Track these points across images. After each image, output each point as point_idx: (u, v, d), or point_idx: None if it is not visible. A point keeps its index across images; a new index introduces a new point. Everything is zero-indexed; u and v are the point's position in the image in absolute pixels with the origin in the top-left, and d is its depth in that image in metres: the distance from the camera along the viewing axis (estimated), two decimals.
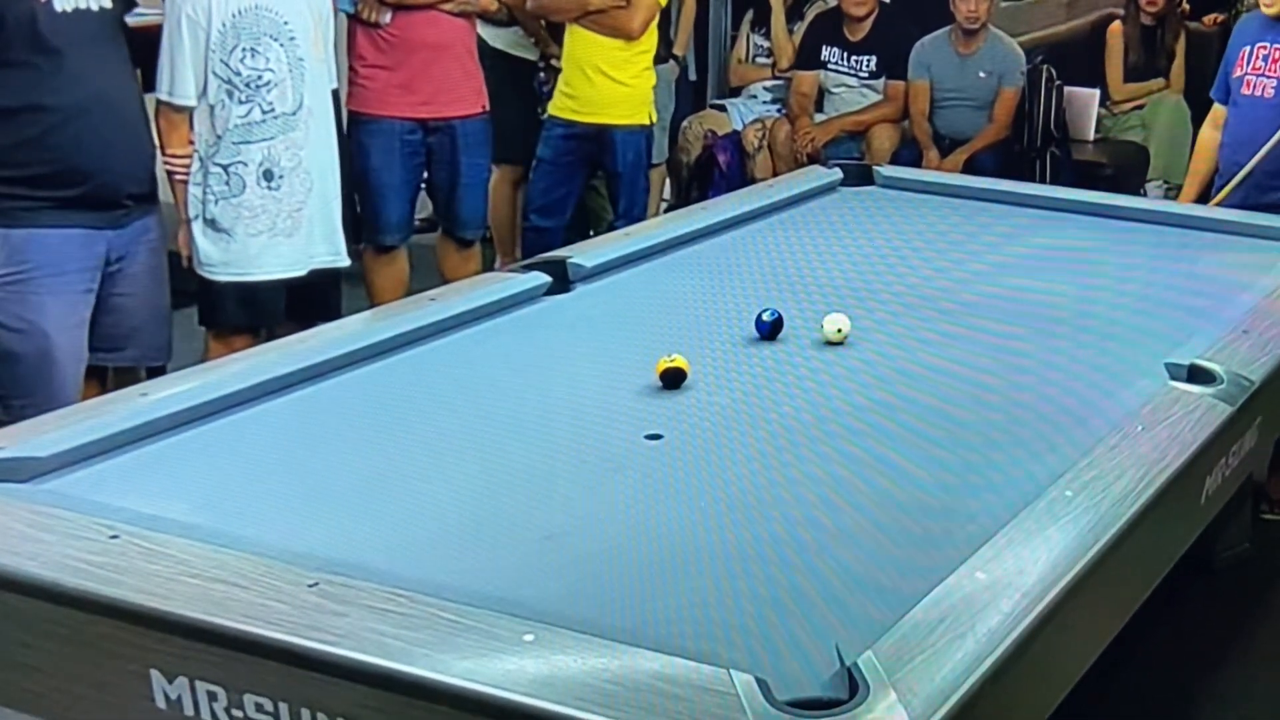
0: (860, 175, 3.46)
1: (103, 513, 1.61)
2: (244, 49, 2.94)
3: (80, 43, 2.66)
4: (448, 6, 3.72)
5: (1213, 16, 5.47)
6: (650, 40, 4.25)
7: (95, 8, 2.70)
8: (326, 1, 3.16)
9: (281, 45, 2.99)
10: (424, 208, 4.19)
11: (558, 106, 4.25)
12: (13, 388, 2.66)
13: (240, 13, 2.94)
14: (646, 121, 4.28)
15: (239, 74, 2.94)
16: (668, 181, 5.15)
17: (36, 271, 2.65)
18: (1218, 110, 3.57)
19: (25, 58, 2.60)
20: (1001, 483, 1.78)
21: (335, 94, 3.24)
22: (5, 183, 2.63)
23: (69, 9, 2.65)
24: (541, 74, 4.47)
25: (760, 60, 5.37)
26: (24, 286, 2.65)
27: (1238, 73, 3.44)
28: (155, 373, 2.85)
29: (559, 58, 4.36)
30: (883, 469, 1.84)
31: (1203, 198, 3.58)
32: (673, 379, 2.09)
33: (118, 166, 2.73)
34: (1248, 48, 3.42)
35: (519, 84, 4.44)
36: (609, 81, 4.17)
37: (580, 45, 4.18)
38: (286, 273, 3.06)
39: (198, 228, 3.02)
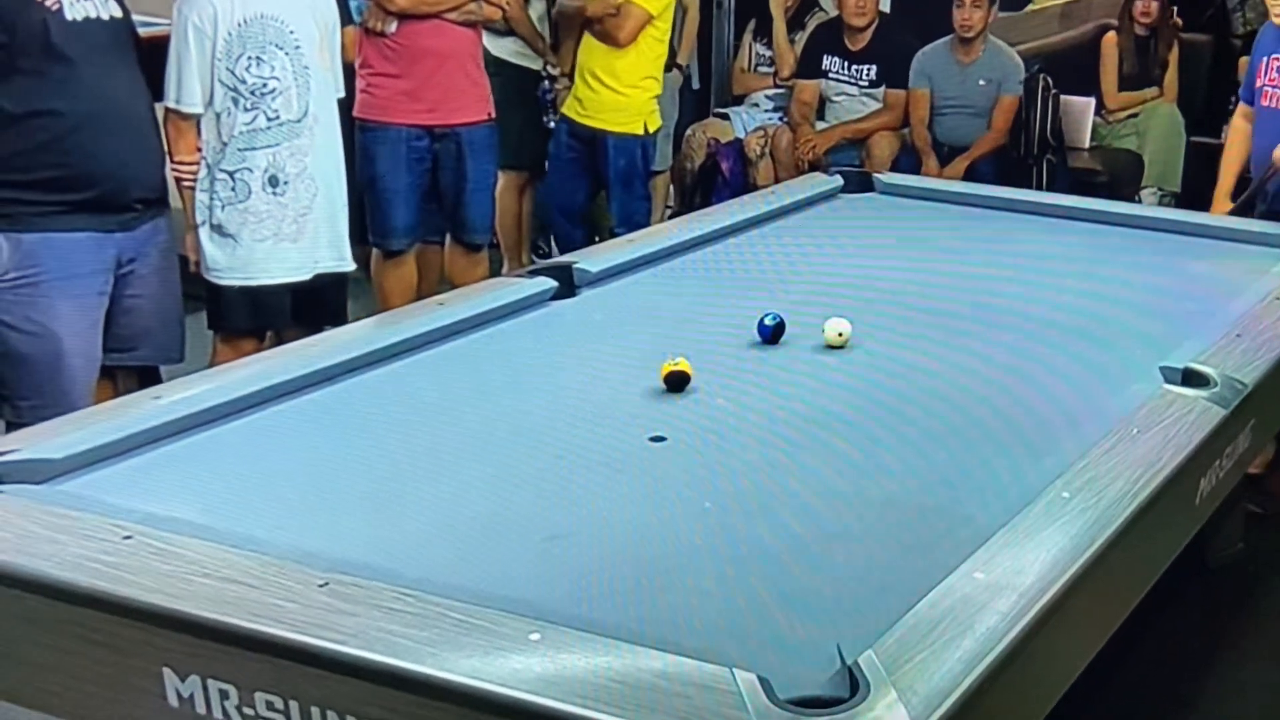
0: (860, 182, 3.49)
1: (116, 514, 1.62)
2: (250, 57, 2.96)
3: (91, 51, 2.69)
4: (453, 15, 3.75)
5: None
6: (651, 52, 4.30)
7: (106, 17, 2.73)
8: (333, 11, 3.19)
9: (287, 54, 3.01)
10: None
11: (567, 106, 4.40)
12: (24, 390, 2.68)
13: (246, 22, 2.96)
14: (640, 131, 4.32)
15: (244, 82, 2.97)
16: (671, 188, 5.19)
17: (48, 275, 2.68)
18: (1244, 108, 3.57)
19: (37, 65, 2.63)
20: (1000, 484, 1.80)
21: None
22: (17, 187, 2.66)
23: (80, 18, 2.68)
24: (545, 82, 4.51)
25: (762, 69, 5.40)
26: (35, 290, 2.67)
27: (1259, 82, 3.43)
28: (148, 375, 2.88)
29: (556, 65, 4.42)
30: (883, 471, 1.86)
31: (1240, 185, 3.55)
32: (676, 382, 2.11)
33: (128, 171, 2.76)
34: (1265, 58, 3.40)
35: (523, 92, 4.48)
36: (607, 89, 4.27)
37: (585, 52, 4.31)
38: (291, 277, 3.08)
39: (204, 233, 3.04)
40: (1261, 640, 2.75)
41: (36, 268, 2.68)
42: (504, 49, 4.47)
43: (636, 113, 4.32)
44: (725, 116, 5.34)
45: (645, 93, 4.34)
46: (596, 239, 4.43)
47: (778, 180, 4.71)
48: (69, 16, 2.66)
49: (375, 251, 3.94)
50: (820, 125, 5.07)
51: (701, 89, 5.45)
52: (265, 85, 2.98)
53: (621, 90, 4.29)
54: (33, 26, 2.62)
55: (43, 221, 2.68)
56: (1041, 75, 4.89)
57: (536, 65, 4.55)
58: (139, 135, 2.81)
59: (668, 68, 4.82)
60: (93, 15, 2.71)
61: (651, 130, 4.40)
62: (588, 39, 4.29)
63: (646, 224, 4.41)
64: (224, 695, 1.41)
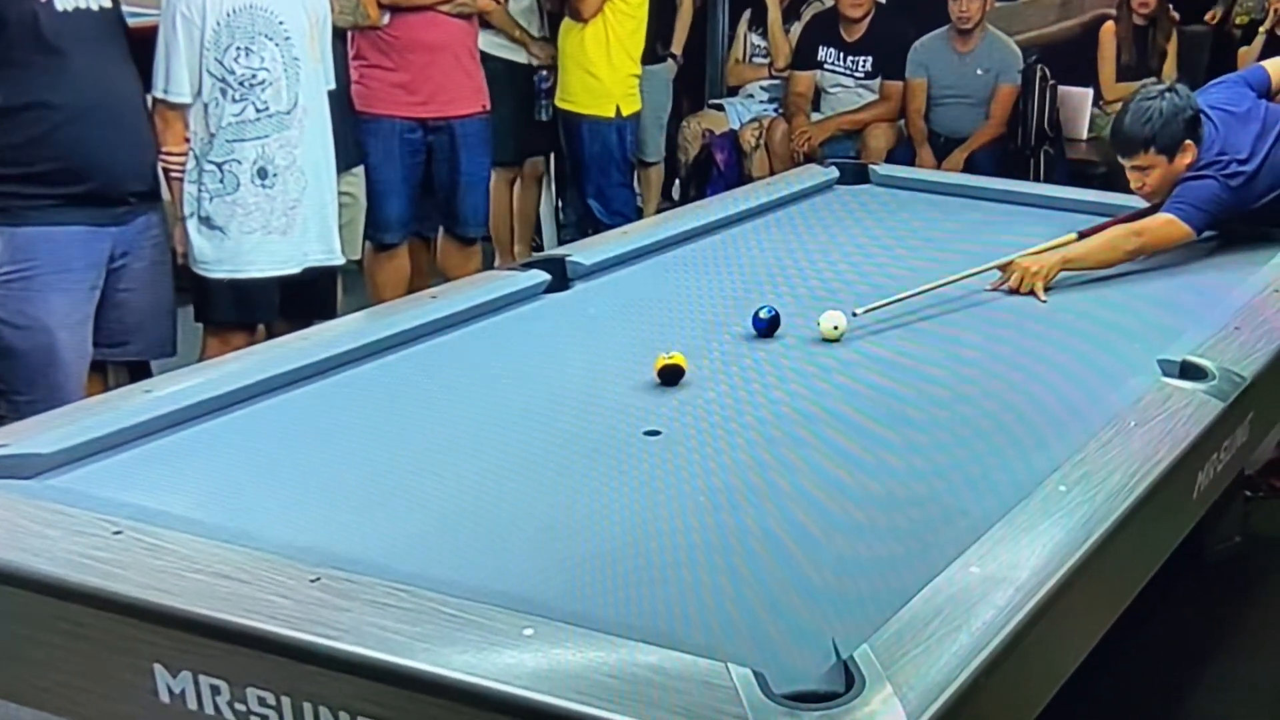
0: (856, 174, 3.48)
1: (106, 508, 1.62)
2: (238, 48, 2.94)
3: (82, 42, 2.68)
4: (446, 8, 3.74)
5: (1212, 14, 5.48)
6: (621, 29, 4.30)
7: (96, 7, 2.72)
8: (324, 2, 3.17)
9: (277, 45, 2.99)
10: None
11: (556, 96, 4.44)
12: (17, 384, 2.68)
13: (235, 12, 2.94)
14: (612, 114, 4.32)
15: (233, 72, 2.95)
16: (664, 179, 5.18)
17: (41, 269, 2.67)
18: None
19: (28, 57, 2.62)
20: (996, 478, 1.79)
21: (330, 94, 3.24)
22: (10, 181, 2.65)
23: (70, 8, 2.67)
24: (543, 71, 4.49)
25: (757, 60, 5.39)
26: (29, 284, 2.67)
27: None
28: (138, 370, 2.87)
29: (538, 56, 4.44)
30: (878, 464, 1.86)
31: None
32: (671, 376, 2.11)
33: (121, 164, 2.75)
34: None
35: (509, 86, 4.45)
36: (582, 73, 4.31)
37: (566, 40, 4.34)
38: (280, 270, 3.07)
39: (192, 225, 3.02)
40: (1259, 634, 2.75)
41: (30, 262, 2.67)
42: (489, 43, 4.45)
43: (604, 95, 4.32)
44: (720, 108, 5.34)
45: (617, 72, 4.33)
46: (590, 231, 4.43)
47: (773, 172, 4.71)
48: (59, 7, 2.65)
49: (368, 244, 3.94)
50: (816, 116, 5.05)
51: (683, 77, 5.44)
52: (254, 76, 2.96)
53: (595, 75, 4.30)
54: (23, 18, 2.61)
55: (36, 215, 2.67)
56: (1039, 66, 4.88)
57: (520, 59, 4.53)
58: (132, 127, 2.80)
59: (661, 58, 4.81)
60: (83, 5, 2.69)
61: (626, 114, 4.38)
62: (569, 29, 4.32)
63: (630, 213, 4.42)
64: (215, 691, 1.40)
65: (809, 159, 4.60)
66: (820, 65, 5.03)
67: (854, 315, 2.37)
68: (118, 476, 1.78)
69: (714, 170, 5.11)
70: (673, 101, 5.04)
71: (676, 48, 5.00)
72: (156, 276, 2.90)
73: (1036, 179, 4.63)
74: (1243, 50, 4.91)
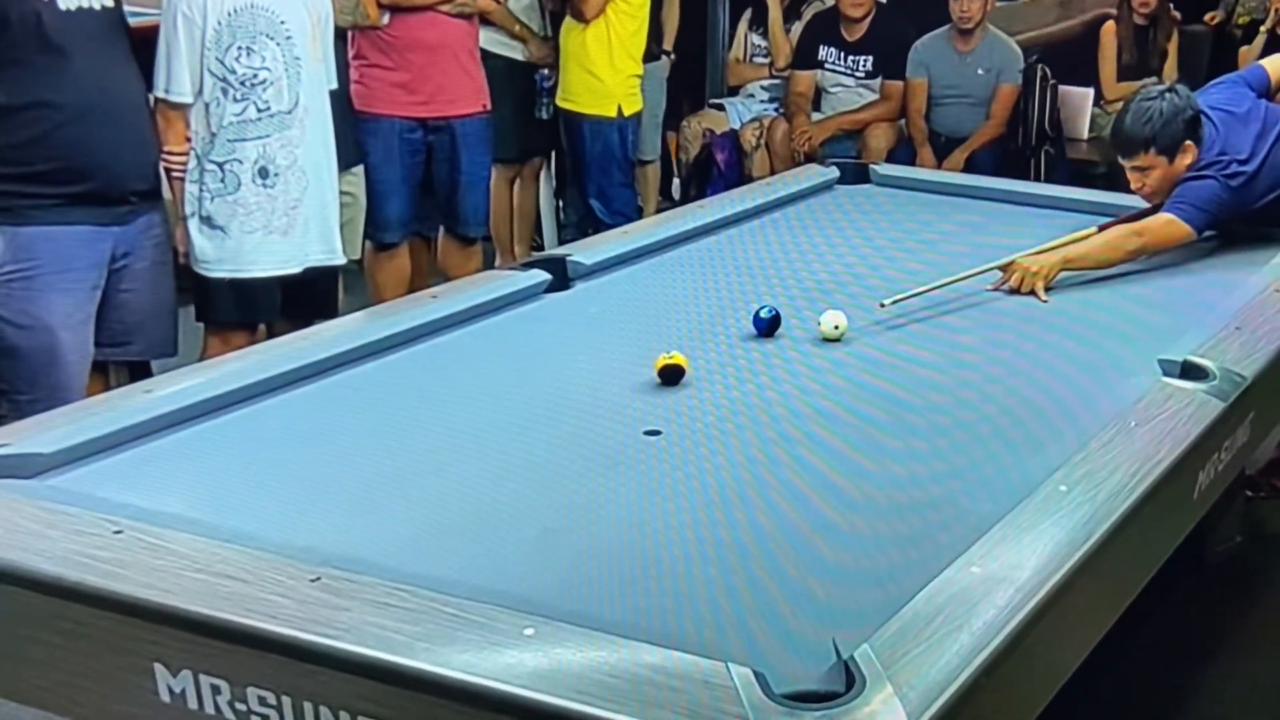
0: (857, 173, 3.48)
1: (107, 508, 1.62)
2: (239, 47, 2.95)
3: (84, 41, 2.68)
4: (446, 8, 3.74)
5: (1212, 15, 5.50)
6: (624, 29, 4.31)
7: (98, 6, 2.72)
8: (325, 1, 3.17)
9: (278, 44, 2.99)
10: None
11: (558, 95, 4.44)
12: (19, 383, 2.68)
13: (236, 11, 2.94)
14: (614, 114, 4.32)
15: (234, 72, 2.95)
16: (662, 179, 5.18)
17: (43, 268, 2.68)
18: None
19: (30, 56, 2.63)
20: (997, 478, 1.79)
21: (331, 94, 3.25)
22: (12, 180, 2.66)
23: (73, 8, 2.67)
24: (545, 70, 4.49)
25: (758, 60, 5.39)
26: (31, 283, 2.67)
27: None
28: (139, 370, 2.87)
29: (535, 54, 4.45)
30: (879, 464, 1.86)
31: None
32: (671, 376, 2.11)
33: (123, 164, 2.76)
34: None
35: (510, 84, 4.45)
36: (584, 73, 4.31)
37: (568, 40, 4.34)
38: (281, 270, 3.07)
39: (193, 225, 3.02)
40: (1259, 634, 2.75)
41: (32, 261, 2.68)
42: (489, 40, 4.45)
43: (606, 95, 4.32)
44: (720, 107, 5.34)
45: (619, 72, 4.33)
46: (590, 231, 4.44)
47: (773, 172, 4.71)
48: (62, 6, 2.66)
49: (368, 244, 3.94)
50: (816, 116, 5.06)
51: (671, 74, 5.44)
52: (255, 76, 2.97)
53: (597, 75, 4.31)
54: (26, 17, 2.62)
55: (38, 215, 2.67)
56: (1040, 65, 4.89)
57: (520, 56, 4.53)
58: (133, 127, 2.80)
59: (655, 55, 4.81)
60: (85, 5, 2.70)
61: (627, 113, 4.38)
62: (571, 29, 4.33)
63: (630, 212, 4.42)
64: (216, 690, 1.41)
65: (809, 159, 4.60)
66: (821, 65, 5.04)
67: (881, 307, 2.40)
68: (118, 476, 1.78)
69: (714, 170, 5.12)
70: (667, 99, 5.04)
71: (667, 44, 5.00)
72: (158, 276, 2.90)
73: (1037, 179, 4.64)
74: (1243, 50, 4.91)
